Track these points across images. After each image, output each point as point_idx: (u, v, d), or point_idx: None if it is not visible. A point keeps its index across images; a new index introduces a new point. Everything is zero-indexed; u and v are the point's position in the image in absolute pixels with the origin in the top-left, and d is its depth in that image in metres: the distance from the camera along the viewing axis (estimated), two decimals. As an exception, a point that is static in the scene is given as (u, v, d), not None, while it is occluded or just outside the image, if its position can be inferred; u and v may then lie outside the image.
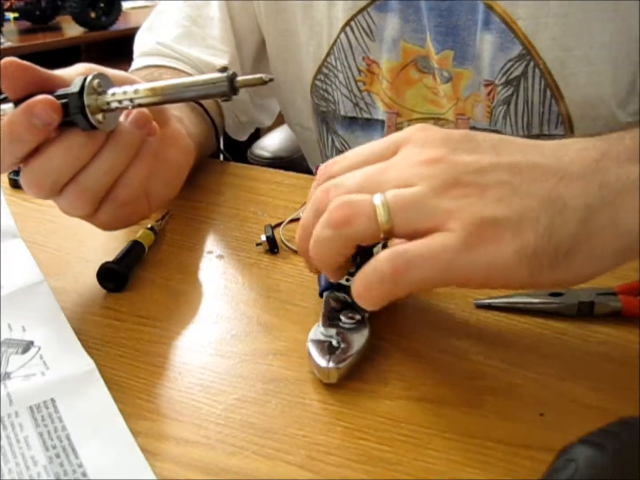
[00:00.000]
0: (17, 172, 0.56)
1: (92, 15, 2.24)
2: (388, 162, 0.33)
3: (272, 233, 0.47)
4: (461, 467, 0.29)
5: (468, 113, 0.61)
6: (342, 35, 0.64)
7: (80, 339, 0.36)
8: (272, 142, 1.11)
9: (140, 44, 0.70)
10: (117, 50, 2.19)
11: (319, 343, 0.34)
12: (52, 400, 0.32)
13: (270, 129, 1.02)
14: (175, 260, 0.46)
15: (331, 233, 0.32)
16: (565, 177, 0.30)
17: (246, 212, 0.53)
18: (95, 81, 0.38)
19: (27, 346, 0.36)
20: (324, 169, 0.36)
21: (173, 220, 0.51)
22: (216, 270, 0.45)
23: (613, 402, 0.32)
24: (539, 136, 0.58)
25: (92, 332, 0.38)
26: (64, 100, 0.37)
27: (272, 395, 0.33)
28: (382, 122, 0.66)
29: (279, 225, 0.49)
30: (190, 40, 0.67)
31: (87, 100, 0.37)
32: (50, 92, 0.37)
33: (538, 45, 0.55)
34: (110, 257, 0.43)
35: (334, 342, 0.34)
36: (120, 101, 0.38)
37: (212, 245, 0.48)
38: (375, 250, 0.34)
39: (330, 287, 0.38)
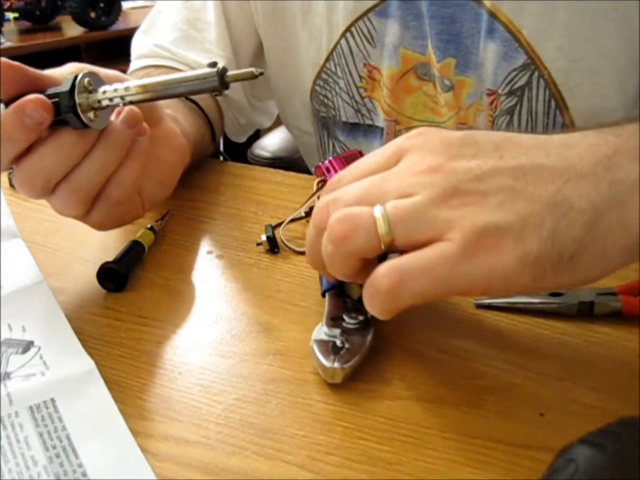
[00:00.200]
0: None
1: (92, 15, 2.25)
2: (388, 172, 0.32)
3: (273, 233, 0.47)
4: (461, 467, 0.29)
5: (470, 122, 0.61)
6: (343, 41, 0.63)
7: (80, 339, 0.36)
8: (272, 142, 1.12)
9: (137, 47, 0.70)
10: (117, 50, 2.20)
11: (323, 343, 0.34)
12: (52, 400, 0.32)
13: (270, 129, 1.02)
14: (175, 260, 0.46)
15: (333, 249, 0.31)
16: (572, 177, 0.30)
17: (246, 212, 0.53)
18: (86, 79, 0.38)
19: (27, 346, 0.36)
20: (329, 185, 0.35)
21: (173, 220, 0.51)
22: (216, 270, 0.45)
23: (613, 402, 0.32)
24: None
25: (92, 332, 0.38)
26: (55, 100, 0.37)
27: (272, 395, 0.33)
28: (382, 129, 0.66)
29: (279, 225, 0.49)
30: (188, 43, 0.67)
31: (78, 98, 0.37)
32: (41, 92, 0.37)
33: (543, 55, 0.54)
34: (110, 257, 0.43)
35: (338, 343, 0.34)
36: (111, 99, 0.38)
37: (212, 245, 0.48)
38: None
39: (333, 287, 0.38)
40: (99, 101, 0.38)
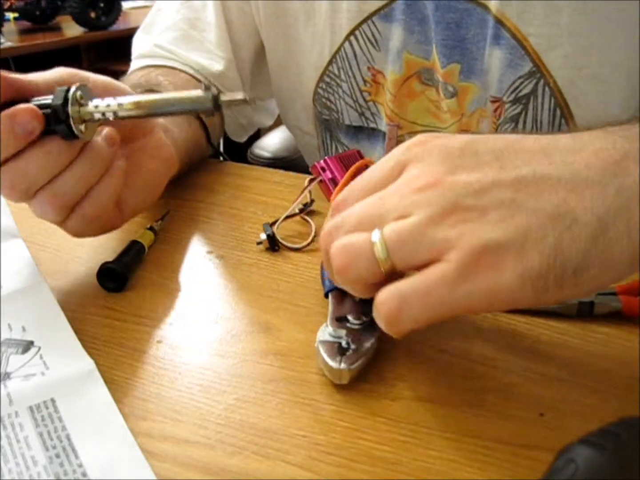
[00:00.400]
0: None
1: (92, 15, 2.25)
2: (387, 191, 0.32)
3: (272, 231, 0.47)
4: (461, 467, 0.29)
5: (473, 128, 0.60)
6: (347, 44, 0.63)
7: (80, 339, 0.36)
8: (272, 142, 1.12)
9: (137, 46, 0.70)
10: (117, 50, 2.20)
11: (328, 344, 0.34)
12: (52, 400, 0.32)
13: (270, 128, 1.02)
14: (175, 260, 0.46)
15: (339, 278, 0.32)
16: (578, 186, 0.29)
17: (246, 212, 0.53)
18: (78, 92, 0.39)
19: (27, 346, 0.36)
20: (335, 206, 0.35)
21: (173, 220, 0.51)
22: (216, 270, 0.45)
23: (613, 402, 0.32)
24: None
25: (92, 332, 0.38)
26: (46, 111, 0.38)
27: (272, 395, 0.33)
28: (385, 133, 0.66)
29: (273, 224, 0.48)
30: (188, 43, 0.67)
31: (71, 111, 0.38)
32: (26, 100, 0.38)
33: (549, 63, 0.53)
34: (110, 257, 0.43)
35: (344, 343, 0.34)
36: (103, 113, 0.39)
37: (212, 245, 0.48)
38: None
39: (336, 288, 0.38)
40: (91, 114, 0.39)
